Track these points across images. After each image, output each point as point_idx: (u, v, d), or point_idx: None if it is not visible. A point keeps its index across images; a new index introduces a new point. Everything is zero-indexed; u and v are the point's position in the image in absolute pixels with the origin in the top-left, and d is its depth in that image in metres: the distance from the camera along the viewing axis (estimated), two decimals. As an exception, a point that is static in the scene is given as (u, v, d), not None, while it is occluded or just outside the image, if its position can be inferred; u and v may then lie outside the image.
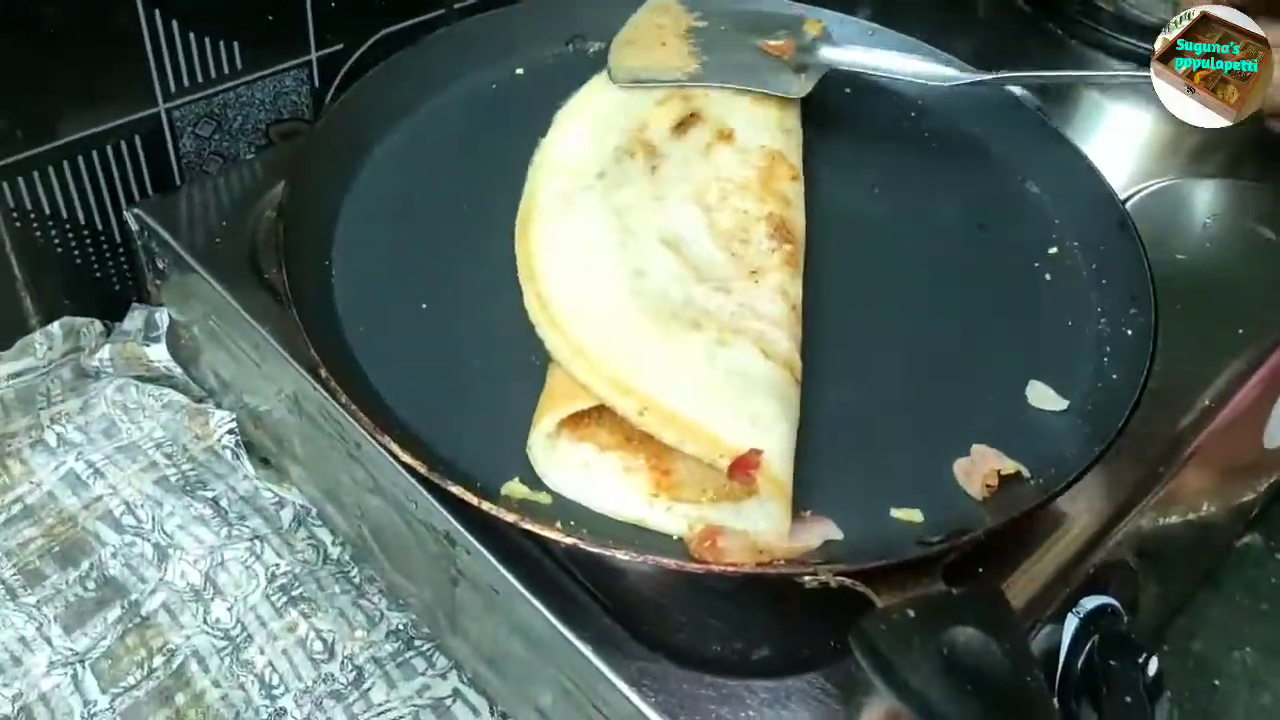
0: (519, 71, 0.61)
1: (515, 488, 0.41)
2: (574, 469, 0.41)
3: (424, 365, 0.45)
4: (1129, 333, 0.48)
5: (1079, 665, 0.43)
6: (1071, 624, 0.44)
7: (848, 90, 0.62)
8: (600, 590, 0.42)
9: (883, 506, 0.41)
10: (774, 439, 0.40)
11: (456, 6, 0.67)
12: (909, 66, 0.56)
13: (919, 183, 0.57)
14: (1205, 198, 0.63)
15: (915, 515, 0.41)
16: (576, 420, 0.42)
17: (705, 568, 0.39)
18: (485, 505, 0.39)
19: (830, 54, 0.58)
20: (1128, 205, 0.59)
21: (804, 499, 0.40)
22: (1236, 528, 0.61)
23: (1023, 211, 0.56)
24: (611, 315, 0.44)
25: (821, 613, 0.41)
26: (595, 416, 0.42)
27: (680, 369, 0.42)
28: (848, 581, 0.38)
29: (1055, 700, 0.44)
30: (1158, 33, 0.73)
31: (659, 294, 0.44)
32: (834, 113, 0.60)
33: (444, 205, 0.53)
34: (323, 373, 0.42)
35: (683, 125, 0.54)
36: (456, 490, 0.39)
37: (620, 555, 0.39)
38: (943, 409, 0.46)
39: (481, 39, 0.61)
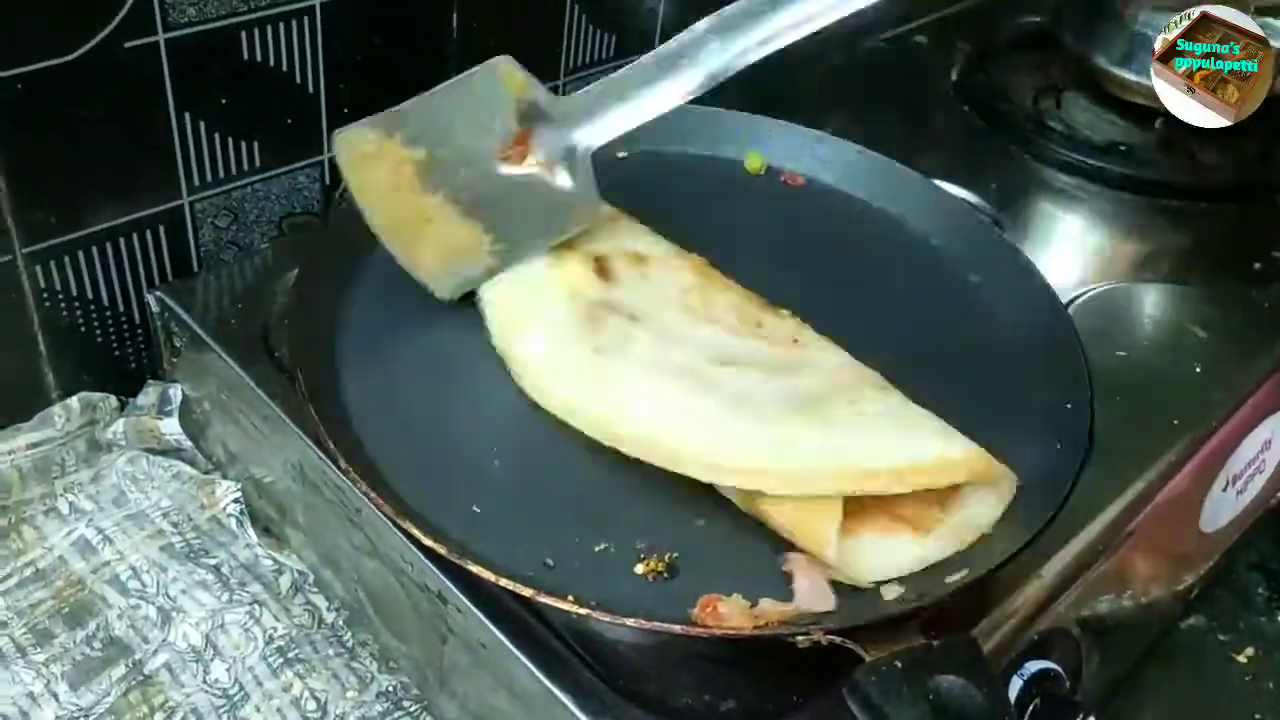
0: None
1: None
2: (874, 552, 0.45)
3: (426, 450, 0.50)
4: (1069, 406, 0.53)
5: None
6: (1016, 685, 0.47)
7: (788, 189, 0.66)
8: (581, 646, 0.45)
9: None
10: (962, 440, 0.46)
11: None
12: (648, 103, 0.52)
13: (867, 279, 0.62)
14: (1146, 300, 0.68)
15: (893, 591, 0.44)
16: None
17: (709, 632, 0.42)
18: (504, 581, 0.43)
19: (581, 133, 0.53)
20: (1075, 304, 0.64)
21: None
22: (1177, 610, 0.64)
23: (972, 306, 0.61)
24: (732, 438, 0.47)
25: (782, 672, 0.45)
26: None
27: (842, 440, 0.46)
28: (838, 640, 0.41)
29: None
30: (1104, 150, 0.79)
31: (748, 399, 0.48)
32: (775, 211, 0.64)
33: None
34: (341, 464, 0.46)
35: (603, 273, 0.54)
36: (475, 569, 0.43)
37: (629, 623, 0.42)
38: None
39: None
